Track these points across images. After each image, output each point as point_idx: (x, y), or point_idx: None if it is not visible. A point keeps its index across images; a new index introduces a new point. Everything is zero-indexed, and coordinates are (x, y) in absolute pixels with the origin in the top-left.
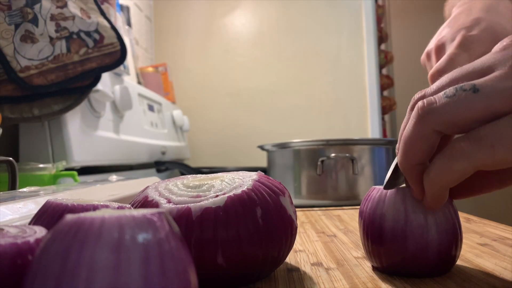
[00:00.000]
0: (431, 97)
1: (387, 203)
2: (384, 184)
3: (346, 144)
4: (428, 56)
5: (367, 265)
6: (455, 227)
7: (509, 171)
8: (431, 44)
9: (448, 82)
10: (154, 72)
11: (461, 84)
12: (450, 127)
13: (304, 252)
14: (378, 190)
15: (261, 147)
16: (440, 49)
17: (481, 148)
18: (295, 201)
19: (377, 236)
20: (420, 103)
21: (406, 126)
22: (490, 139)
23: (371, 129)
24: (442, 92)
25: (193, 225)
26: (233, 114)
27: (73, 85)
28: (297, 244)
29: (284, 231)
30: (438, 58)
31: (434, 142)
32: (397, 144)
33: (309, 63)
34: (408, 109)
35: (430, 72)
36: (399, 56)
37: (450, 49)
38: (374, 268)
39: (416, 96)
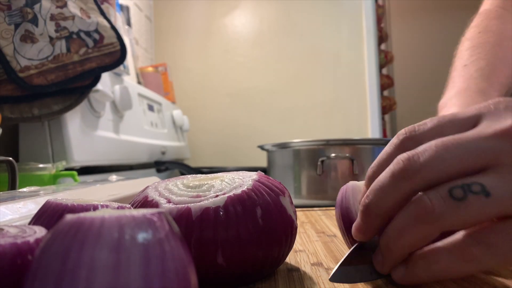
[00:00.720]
0: (439, 198)
1: (351, 197)
2: (331, 275)
3: (346, 144)
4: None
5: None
6: None
7: None
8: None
9: (434, 128)
10: (154, 72)
11: (468, 183)
12: (458, 228)
13: (304, 252)
14: (347, 185)
15: (261, 147)
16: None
17: (493, 256)
18: (295, 201)
19: (345, 229)
20: (428, 204)
21: (385, 174)
22: (504, 248)
23: (371, 129)
24: (448, 192)
25: (193, 225)
26: (233, 114)
27: (73, 85)
28: (297, 244)
29: (284, 231)
30: None
31: (408, 199)
32: (365, 181)
33: (309, 63)
34: (389, 173)
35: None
36: (399, 56)
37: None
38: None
39: (401, 135)
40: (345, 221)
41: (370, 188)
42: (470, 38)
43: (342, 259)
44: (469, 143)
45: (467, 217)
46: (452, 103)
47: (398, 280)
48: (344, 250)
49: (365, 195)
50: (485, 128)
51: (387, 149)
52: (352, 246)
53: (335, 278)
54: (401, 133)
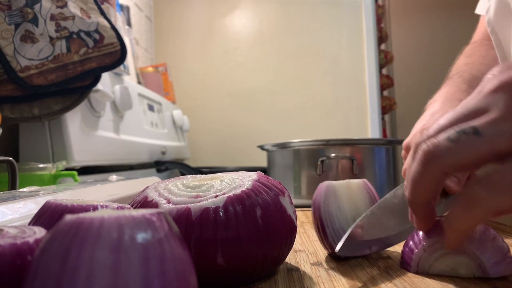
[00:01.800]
0: (435, 140)
1: (323, 196)
2: (338, 248)
3: (346, 144)
4: (406, 149)
5: (367, 265)
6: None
7: None
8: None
9: (447, 123)
10: (154, 72)
11: (463, 128)
12: (456, 169)
13: (304, 252)
14: (322, 184)
15: (261, 147)
16: (407, 148)
17: (498, 194)
18: (295, 201)
19: (317, 226)
20: (424, 146)
21: (412, 165)
22: (505, 184)
23: (371, 129)
24: (446, 136)
25: (192, 225)
26: (233, 114)
27: (73, 85)
28: (297, 244)
29: (284, 231)
30: (405, 157)
31: (441, 183)
32: (405, 182)
33: (309, 63)
34: (411, 153)
35: (403, 170)
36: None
37: (412, 144)
38: (328, 255)
39: (418, 139)
40: (317, 221)
41: (407, 187)
42: (457, 64)
43: (347, 234)
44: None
45: (461, 155)
46: (436, 100)
47: (448, 246)
48: None
49: (406, 192)
50: (481, 90)
51: (410, 156)
52: (327, 246)
53: (342, 252)
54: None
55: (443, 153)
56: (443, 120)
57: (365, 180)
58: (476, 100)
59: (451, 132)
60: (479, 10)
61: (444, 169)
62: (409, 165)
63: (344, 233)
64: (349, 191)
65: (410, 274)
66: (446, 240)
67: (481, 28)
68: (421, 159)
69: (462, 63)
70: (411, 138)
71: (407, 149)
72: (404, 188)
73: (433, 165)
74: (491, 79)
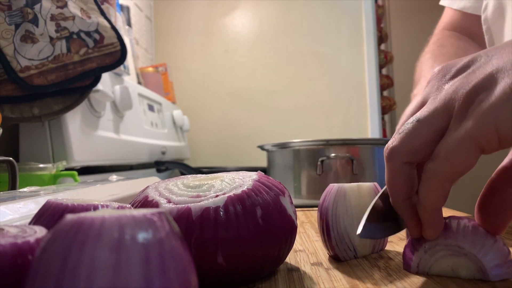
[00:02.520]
0: (391, 139)
1: (333, 200)
2: (359, 232)
3: (346, 144)
4: None
5: (367, 265)
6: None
7: None
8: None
9: (401, 123)
10: (154, 72)
11: (408, 120)
12: (412, 155)
13: (304, 252)
14: (332, 186)
15: (261, 147)
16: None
17: (439, 163)
18: (295, 201)
19: (322, 228)
20: (384, 148)
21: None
22: (443, 152)
23: (371, 129)
24: (397, 132)
25: (193, 225)
26: (233, 114)
27: (73, 85)
28: (297, 244)
29: (284, 231)
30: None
31: (409, 174)
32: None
33: (309, 63)
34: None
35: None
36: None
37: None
38: (330, 257)
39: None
40: (322, 223)
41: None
42: (431, 51)
43: (366, 216)
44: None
45: (408, 140)
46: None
47: (427, 236)
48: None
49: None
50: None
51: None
52: (330, 248)
53: (364, 234)
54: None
55: (396, 145)
56: (399, 122)
57: (375, 183)
58: (419, 97)
59: (401, 128)
60: (444, 2)
61: (402, 158)
62: None
63: (348, 236)
64: (359, 195)
65: (410, 275)
66: (423, 227)
67: (446, 18)
68: (385, 159)
69: (438, 53)
70: None
71: None
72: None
73: (393, 159)
74: (426, 79)
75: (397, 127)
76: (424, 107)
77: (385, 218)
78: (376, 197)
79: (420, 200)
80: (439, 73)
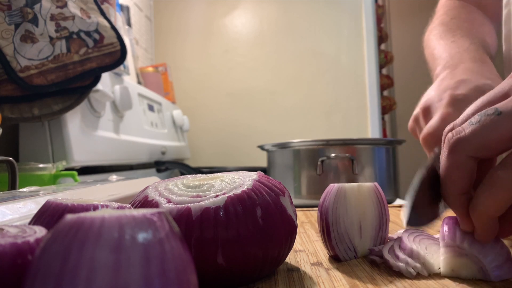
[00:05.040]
0: (459, 127)
1: (333, 199)
2: (406, 220)
3: (346, 144)
4: (416, 120)
5: (367, 264)
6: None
7: None
8: (417, 109)
9: (473, 111)
10: (154, 72)
11: (485, 110)
12: (482, 150)
13: (304, 252)
14: (331, 187)
15: (261, 147)
16: (427, 111)
17: None
18: (295, 201)
19: (322, 228)
20: (449, 134)
21: (441, 159)
22: None
23: (371, 129)
24: (468, 121)
25: (193, 225)
26: (233, 114)
27: (73, 85)
28: (297, 244)
29: (284, 231)
30: (426, 121)
31: (472, 168)
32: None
33: (309, 63)
34: (442, 144)
35: (422, 134)
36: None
37: (440, 109)
38: (330, 257)
39: (446, 129)
40: (323, 223)
41: (441, 178)
42: (444, 23)
43: (410, 205)
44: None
45: (483, 134)
46: (462, 68)
47: (478, 238)
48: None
49: (441, 190)
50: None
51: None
52: (330, 248)
53: (411, 222)
54: (444, 132)
55: (466, 136)
56: (470, 108)
57: (376, 184)
58: (499, 87)
59: (473, 116)
60: None
61: (470, 152)
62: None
63: (348, 237)
64: (359, 195)
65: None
66: (476, 229)
67: None
68: (447, 148)
69: (449, 27)
70: (414, 118)
71: (413, 129)
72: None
73: (459, 150)
74: (451, 55)
75: (465, 115)
76: (509, 98)
77: (428, 202)
78: (417, 180)
79: (479, 206)
80: None
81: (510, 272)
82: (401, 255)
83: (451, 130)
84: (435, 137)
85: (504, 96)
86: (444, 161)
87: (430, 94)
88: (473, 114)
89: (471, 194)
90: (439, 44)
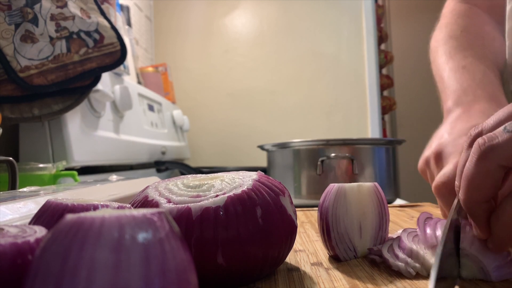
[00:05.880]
0: (491, 133)
1: (333, 200)
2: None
3: (346, 144)
4: (427, 163)
5: (367, 264)
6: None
7: None
8: (429, 151)
9: (506, 116)
10: (154, 72)
11: None
12: None
13: (304, 252)
14: (332, 186)
15: (261, 147)
16: (439, 157)
17: None
18: (295, 201)
19: (322, 228)
20: (480, 140)
21: (467, 163)
22: None
23: (371, 129)
24: (502, 127)
25: (193, 225)
26: (233, 114)
27: (73, 85)
28: (297, 244)
29: (284, 231)
30: (438, 166)
31: (500, 177)
32: (456, 182)
33: (309, 63)
34: (465, 147)
35: (435, 183)
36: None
37: (454, 157)
38: (330, 257)
39: (473, 132)
40: (323, 223)
41: (461, 186)
42: (454, 37)
43: (435, 274)
44: None
45: None
46: (477, 109)
47: (493, 248)
48: None
49: (460, 195)
50: None
51: (464, 153)
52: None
53: None
54: (470, 134)
55: (500, 144)
56: (501, 112)
57: (376, 184)
58: None
59: (508, 124)
60: None
61: (501, 160)
62: (463, 164)
63: (348, 236)
64: (359, 195)
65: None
66: (493, 238)
67: None
68: (476, 152)
69: (459, 43)
70: (424, 161)
71: (423, 171)
72: (456, 189)
73: (489, 158)
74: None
75: (496, 119)
76: None
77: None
78: (440, 246)
79: (505, 217)
80: None
81: (510, 272)
82: (401, 254)
83: (478, 134)
84: (449, 187)
85: None
86: (471, 167)
87: (443, 137)
88: (505, 119)
89: (492, 202)
90: (449, 68)
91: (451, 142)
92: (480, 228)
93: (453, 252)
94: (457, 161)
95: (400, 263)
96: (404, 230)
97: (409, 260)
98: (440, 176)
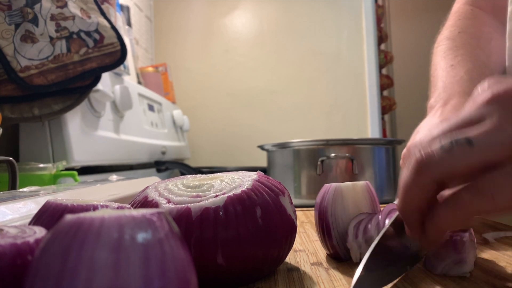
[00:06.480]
0: (429, 150)
1: (331, 199)
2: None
3: (346, 144)
4: (405, 159)
5: None
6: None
7: None
8: (405, 148)
9: (441, 132)
10: (154, 72)
11: (456, 137)
12: (448, 177)
13: (304, 251)
14: (329, 186)
15: (261, 147)
16: (405, 157)
17: (482, 199)
18: (295, 201)
19: (322, 228)
20: (418, 154)
21: (404, 172)
22: (490, 190)
23: (371, 129)
24: (439, 145)
25: (193, 225)
26: (233, 114)
27: (73, 85)
28: (297, 243)
29: (284, 231)
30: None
31: (433, 191)
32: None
33: (309, 63)
34: (402, 157)
35: (401, 181)
36: (399, 56)
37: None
38: (328, 255)
39: (411, 151)
40: (322, 223)
41: (398, 194)
42: (451, 38)
43: (362, 266)
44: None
45: (453, 164)
46: (450, 105)
47: (424, 244)
48: None
49: (397, 202)
50: (477, 98)
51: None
52: (330, 247)
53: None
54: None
55: (435, 161)
56: (438, 129)
57: (367, 182)
58: (470, 110)
59: (444, 142)
60: None
61: (435, 177)
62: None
63: (347, 235)
64: (354, 194)
65: (410, 274)
66: (426, 237)
67: None
68: (413, 166)
69: (454, 44)
70: (402, 157)
71: (405, 158)
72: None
73: (424, 173)
74: (485, 91)
75: (436, 133)
76: (480, 129)
77: (386, 263)
78: (376, 240)
79: (437, 221)
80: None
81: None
82: (360, 236)
83: (418, 148)
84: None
85: (472, 123)
86: (407, 177)
87: (417, 134)
88: (441, 135)
89: (425, 210)
90: (439, 66)
91: (424, 137)
92: (412, 231)
93: (398, 245)
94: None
95: (354, 244)
96: (385, 208)
97: (363, 245)
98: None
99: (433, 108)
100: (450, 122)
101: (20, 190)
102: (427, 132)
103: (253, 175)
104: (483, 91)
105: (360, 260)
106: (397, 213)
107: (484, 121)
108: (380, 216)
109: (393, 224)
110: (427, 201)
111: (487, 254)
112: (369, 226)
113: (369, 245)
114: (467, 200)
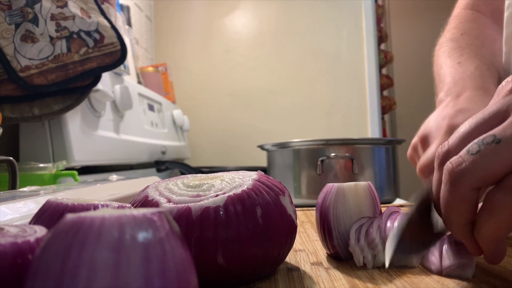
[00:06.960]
0: (458, 158)
1: (333, 200)
2: (388, 262)
3: (346, 144)
4: (415, 149)
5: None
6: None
7: None
8: (416, 137)
9: (468, 132)
10: (154, 72)
11: (482, 138)
12: (485, 181)
13: (304, 251)
14: (331, 186)
15: (261, 147)
16: (425, 140)
17: None
18: (295, 201)
19: (323, 228)
20: (449, 166)
21: (442, 189)
22: None
23: (371, 129)
24: (466, 150)
25: (193, 224)
26: (233, 114)
27: (73, 84)
28: (297, 243)
29: (284, 231)
30: (424, 150)
31: (476, 199)
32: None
33: (309, 63)
34: (436, 167)
35: (418, 165)
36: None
37: (437, 139)
38: (328, 255)
39: (440, 151)
40: (323, 223)
41: (442, 211)
42: (454, 39)
43: (396, 244)
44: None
45: (486, 166)
46: (464, 97)
47: (487, 260)
48: None
49: (443, 220)
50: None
51: (436, 173)
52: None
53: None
54: (437, 153)
55: (468, 168)
56: (463, 130)
57: (369, 183)
58: (495, 105)
59: (471, 145)
60: None
61: (473, 184)
62: (437, 185)
63: (348, 235)
64: (356, 194)
65: (410, 274)
66: (484, 253)
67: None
68: (448, 179)
69: (459, 44)
70: (412, 147)
71: (412, 158)
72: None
73: (462, 183)
74: (508, 83)
75: (459, 137)
76: (506, 123)
77: (418, 236)
78: (406, 216)
79: (482, 232)
80: None
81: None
82: (362, 240)
83: (446, 153)
84: (432, 168)
85: (498, 119)
86: (446, 195)
87: (429, 123)
88: (467, 136)
89: (474, 221)
90: (445, 64)
91: (436, 125)
92: (470, 248)
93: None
94: (440, 142)
95: (356, 248)
96: (385, 211)
97: (366, 248)
98: (424, 158)
99: (442, 101)
100: (476, 120)
101: (20, 189)
102: (436, 118)
103: (254, 174)
104: (507, 83)
105: (364, 264)
106: (399, 215)
107: (509, 115)
108: (381, 219)
109: (417, 210)
110: (474, 212)
111: None
112: (371, 229)
113: (372, 249)
114: (502, 199)
